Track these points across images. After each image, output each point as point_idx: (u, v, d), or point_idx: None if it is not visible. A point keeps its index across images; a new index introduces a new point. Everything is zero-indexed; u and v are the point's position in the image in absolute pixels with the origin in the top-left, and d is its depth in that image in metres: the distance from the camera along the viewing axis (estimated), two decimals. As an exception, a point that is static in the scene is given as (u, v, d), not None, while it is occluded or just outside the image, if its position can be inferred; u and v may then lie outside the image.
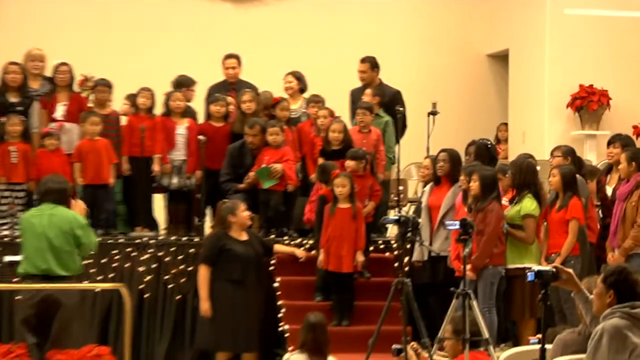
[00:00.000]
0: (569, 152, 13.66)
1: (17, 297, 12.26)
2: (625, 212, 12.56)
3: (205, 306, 13.07)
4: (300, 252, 13.90)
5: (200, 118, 15.47)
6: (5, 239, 13.77)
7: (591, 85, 17.04)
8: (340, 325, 13.20)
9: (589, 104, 17.04)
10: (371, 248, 14.21)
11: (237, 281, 13.17)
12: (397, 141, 14.93)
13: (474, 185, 12.64)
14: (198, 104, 15.74)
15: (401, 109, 15.13)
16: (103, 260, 13.87)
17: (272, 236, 14.07)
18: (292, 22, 18.92)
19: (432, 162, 13.88)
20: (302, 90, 15.63)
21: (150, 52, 17.83)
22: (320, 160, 14.40)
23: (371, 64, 15.53)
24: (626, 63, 17.23)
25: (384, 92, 15.35)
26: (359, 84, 15.66)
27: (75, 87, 15.30)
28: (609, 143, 13.79)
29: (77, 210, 12.31)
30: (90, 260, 13.63)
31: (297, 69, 15.72)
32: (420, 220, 13.39)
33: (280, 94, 15.48)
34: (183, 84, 15.45)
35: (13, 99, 14.53)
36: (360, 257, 13.56)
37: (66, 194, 12.30)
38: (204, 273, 13.18)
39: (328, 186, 13.78)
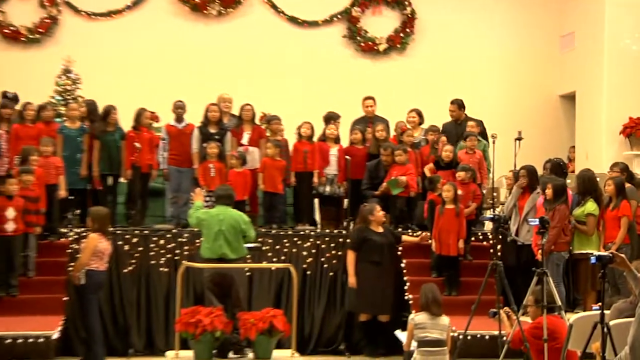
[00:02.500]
0: (624, 168, 13.62)
1: (204, 274, 12.49)
2: (666, 213, 12.54)
3: (352, 280, 13.24)
4: (423, 235, 13.90)
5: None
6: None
7: (638, 117, 16.85)
8: (450, 295, 13.24)
9: (636, 131, 16.87)
10: (472, 238, 14.24)
11: (375, 262, 13.31)
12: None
13: (548, 192, 12.67)
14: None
15: (491, 137, 15.18)
16: (277, 247, 14.04)
17: (400, 229, 14.15)
18: (412, 72, 18.96)
19: (517, 176, 13.93)
20: (421, 122, 15.71)
21: (310, 94, 17.96)
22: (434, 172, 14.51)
23: (458, 105, 15.57)
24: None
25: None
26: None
27: (257, 121, 15.59)
28: (653, 160, 13.75)
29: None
30: (268, 247, 13.94)
31: (415, 106, 15.80)
32: (508, 218, 13.53)
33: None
34: (332, 117, 15.56)
35: (212, 130, 14.71)
36: (462, 244, 13.58)
37: (233, 198, 12.50)
38: (351, 256, 13.35)
39: (435, 192, 13.92)
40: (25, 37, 18.28)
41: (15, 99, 14.93)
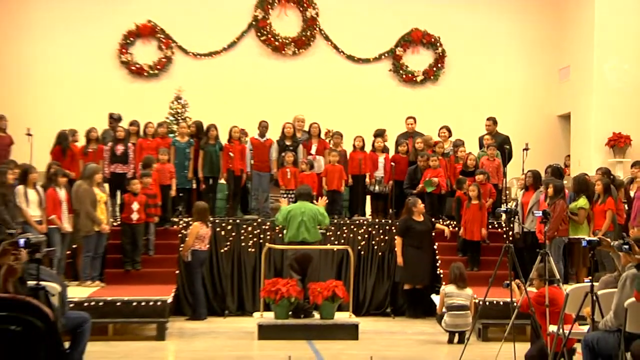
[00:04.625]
0: (606, 171, 13.47)
1: (288, 254, 12.54)
2: (641, 206, 12.42)
3: (400, 260, 13.31)
4: (447, 232, 13.87)
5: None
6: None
7: (620, 132, 16.60)
8: (472, 270, 13.11)
9: (618, 143, 16.65)
10: (490, 226, 14.10)
11: (417, 246, 13.32)
12: (505, 165, 14.79)
13: (550, 190, 12.63)
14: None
15: (508, 146, 15.04)
16: (338, 233, 14.03)
17: (433, 219, 14.04)
18: (443, 97, 18.82)
19: (524, 177, 13.85)
20: (450, 136, 15.58)
21: (363, 115, 17.81)
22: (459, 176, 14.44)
23: (493, 121, 15.41)
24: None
25: (499, 137, 15.29)
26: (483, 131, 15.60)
27: (322, 135, 15.61)
28: (632, 165, 13.58)
29: (322, 202, 12.62)
30: (330, 233, 13.92)
31: (445, 124, 15.69)
32: (518, 210, 13.42)
33: (435, 138, 15.51)
34: (380, 134, 15.39)
35: (287, 142, 14.79)
36: (484, 231, 13.51)
37: (311, 195, 12.55)
38: (398, 241, 13.36)
39: (462, 191, 13.82)
40: (147, 72, 18.48)
41: (119, 119, 15.12)
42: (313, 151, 15.03)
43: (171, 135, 15.21)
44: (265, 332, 11.37)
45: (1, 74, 17.94)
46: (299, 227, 11.97)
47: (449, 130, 15.57)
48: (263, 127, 14.91)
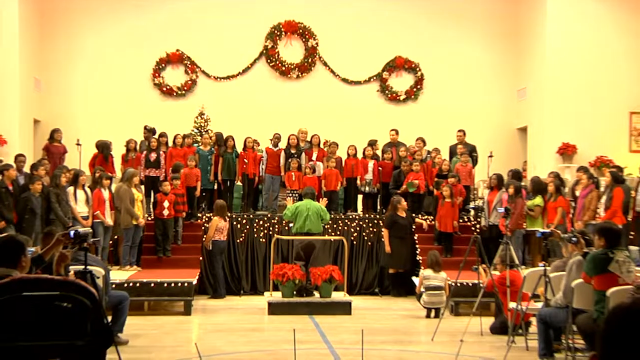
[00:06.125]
0: (557, 175, 13.47)
1: (295, 243, 12.52)
2: (584, 204, 12.37)
3: (387, 248, 13.22)
4: (425, 225, 13.86)
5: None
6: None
7: (568, 142, 16.61)
8: (446, 257, 13.07)
9: (567, 151, 16.65)
10: (461, 220, 14.09)
11: (401, 237, 13.27)
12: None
13: (511, 190, 12.62)
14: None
15: (475, 154, 15.06)
16: (335, 225, 14.01)
17: (413, 214, 14.05)
18: (421, 113, 18.79)
19: (489, 180, 13.83)
20: (425, 145, 15.52)
21: (355, 127, 17.72)
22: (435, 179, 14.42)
23: (463, 132, 15.39)
24: (585, 131, 16.76)
25: (468, 146, 15.27)
26: (454, 142, 15.58)
27: (322, 145, 15.59)
28: (577, 170, 13.51)
29: (323, 202, 12.61)
30: (328, 226, 13.85)
31: (422, 135, 15.66)
32: (484, 207, 13.40)
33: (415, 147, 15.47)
34: (371, 143, 15.38)
35: (292, 150, 14.75)
36: (455, 224, 13.49)
37: (315, 195, 12.55)
38: (385, 233, 13.29)
39: (438, 190, 13.80)
40: (176, 93, 18.46)
41: (153, 131, 15.12)
42: (314, 158, 15.00)
43: (195, 144, 15.22)
44: (274, 308, 11.37)
45: (57, 94, 17.96)
46: (305, 220, 11.99)
47: (424, 141, 15.52)
48: (276, 139, 14.96)
